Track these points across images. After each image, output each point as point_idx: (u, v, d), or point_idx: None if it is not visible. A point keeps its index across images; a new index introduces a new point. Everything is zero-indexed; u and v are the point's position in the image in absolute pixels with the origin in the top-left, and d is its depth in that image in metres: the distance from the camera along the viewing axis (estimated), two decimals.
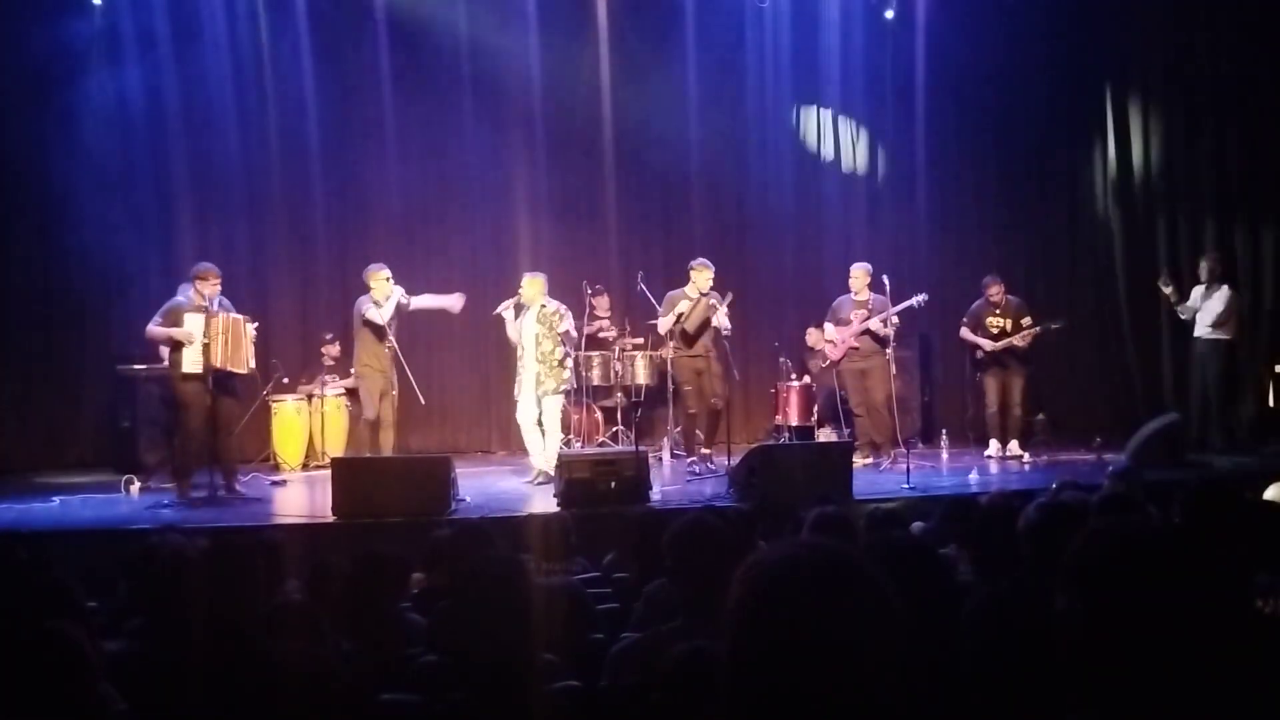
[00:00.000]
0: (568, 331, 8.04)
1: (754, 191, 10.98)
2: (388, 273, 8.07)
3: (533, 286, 7.99)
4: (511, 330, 8.07)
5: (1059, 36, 10.71)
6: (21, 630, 2.20)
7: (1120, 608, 1.38)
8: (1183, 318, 9.30)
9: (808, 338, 10.21)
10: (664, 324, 8.50)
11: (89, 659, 2.21)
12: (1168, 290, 9.28)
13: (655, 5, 10.68)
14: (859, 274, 8.76)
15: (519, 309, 8.04)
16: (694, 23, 10.54)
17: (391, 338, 7.99)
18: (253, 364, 7.61)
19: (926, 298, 8.87)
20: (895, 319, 8.63)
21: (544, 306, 7.98)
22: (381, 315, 7.94)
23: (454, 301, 8.25)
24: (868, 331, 8.64)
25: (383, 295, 8.00)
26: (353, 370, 9.61)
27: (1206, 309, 9.11)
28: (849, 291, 8.86)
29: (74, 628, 2.31)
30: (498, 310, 8.15)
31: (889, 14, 10.77)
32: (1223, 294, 9.11)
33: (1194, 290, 9.26)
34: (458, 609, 2.43)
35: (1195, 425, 9.12)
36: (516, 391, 8.14)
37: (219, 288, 7.43)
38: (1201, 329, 9.14)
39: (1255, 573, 2.75)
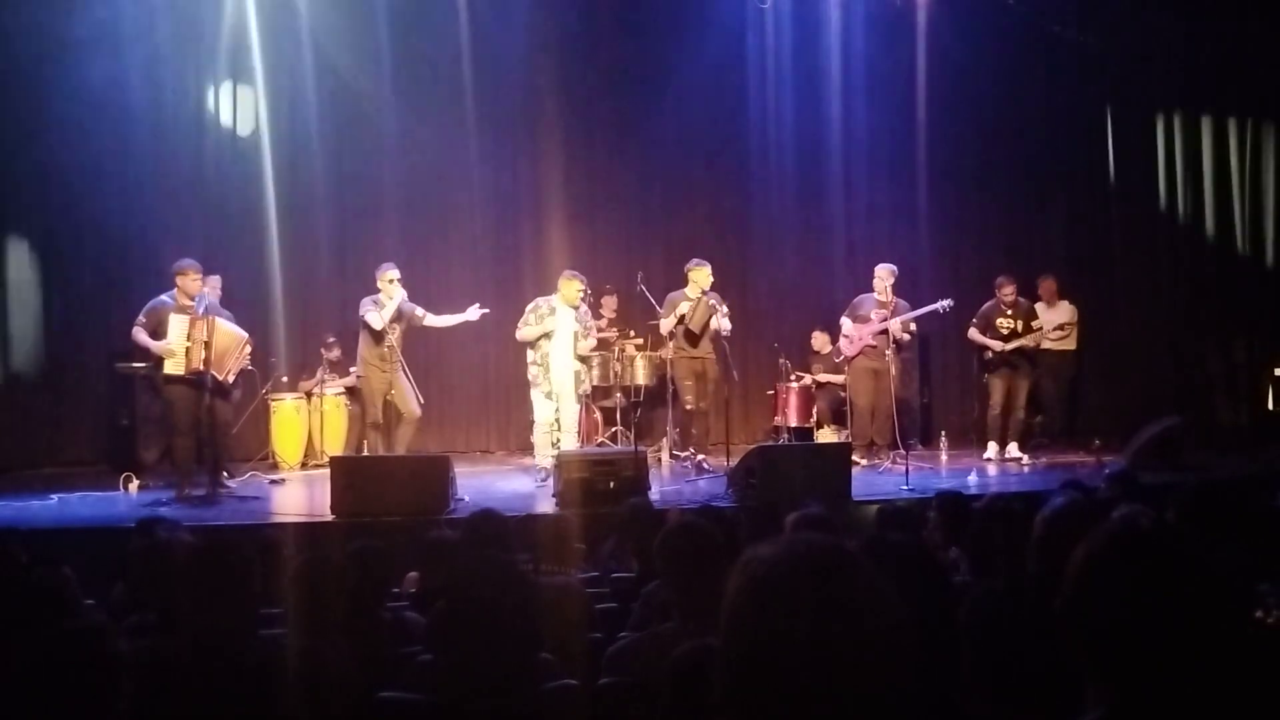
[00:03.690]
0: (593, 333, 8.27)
1: (755, 192, 10.97)
2: (394, 274, 7.98)
3: (570, 288, 8.07)
4: (532, 331, 8.05)
5: (1061, 34, 10.71)
6: (48, 629, 2.17)
7: (1119, 609, 1.37)
8: (1044, 334, 9.46)
9: (813, 341, 10.19)
10: (666, 325, 8.50)
11: (118, 655, 2.15)
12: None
13: (656, 7, 10.68)
14: (884, 275, 8.71)
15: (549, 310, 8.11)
16: (695, 24, 10.53)
17: (392, 340, 7.94)
18: (233, 376, 7.45)
19: (951, 303, 8.84)
20: (913, 326, 8.68)
21: (577, 308, 8.13)
22: (379, 319, 7.89)
23: (472, 314, 8.19)
24: (884, 332, 8.62)
25: (388, 297, 7.94)
26: (353, 370, 9.63)
27: (1049, 323, 9.46)
28: (863, 291, 8.87)
29: (104, 623, 2.29)
30: (543, 315, 8.07)
31: None
32: (1061, 309, 9.67)
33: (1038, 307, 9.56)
34: (456, 608, 2.43)
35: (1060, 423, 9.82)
36: (545, 390, 8.09)
37: (201, 284, 7.33)
38: (1047, 342, 9.45)
39: (1256, 581, 2.72)
